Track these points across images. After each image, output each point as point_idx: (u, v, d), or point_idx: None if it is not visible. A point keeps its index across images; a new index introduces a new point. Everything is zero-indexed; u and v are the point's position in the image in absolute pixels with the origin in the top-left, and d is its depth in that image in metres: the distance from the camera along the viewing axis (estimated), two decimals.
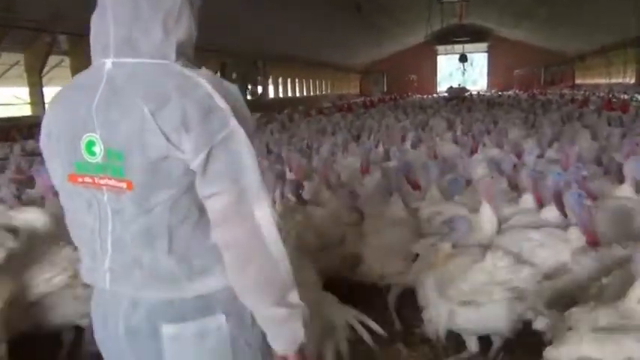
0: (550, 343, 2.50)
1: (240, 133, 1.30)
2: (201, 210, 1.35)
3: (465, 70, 36.29)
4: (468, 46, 37.34)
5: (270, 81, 24.47)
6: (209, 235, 1.37)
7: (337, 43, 27.85)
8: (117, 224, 1.36)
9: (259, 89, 21.98)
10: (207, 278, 1.39)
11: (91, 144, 1.32)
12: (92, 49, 1.38)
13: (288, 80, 27.58)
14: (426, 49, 40.09)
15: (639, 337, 2.31)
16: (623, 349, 2.29)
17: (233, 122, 1.29)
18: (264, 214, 1.34)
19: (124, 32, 1.31)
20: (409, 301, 3.55)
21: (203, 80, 1.30)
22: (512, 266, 3.02)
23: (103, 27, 1.33)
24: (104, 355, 1.55)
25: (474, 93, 28.70)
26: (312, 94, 31.02)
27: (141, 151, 1.27)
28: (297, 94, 29.03)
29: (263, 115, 15.50)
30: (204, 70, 1.36)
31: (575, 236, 3.21)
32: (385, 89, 36.79)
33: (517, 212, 3.76)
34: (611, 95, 21.06)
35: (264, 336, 1.44)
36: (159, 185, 1.30)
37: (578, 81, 35.99)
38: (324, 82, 33.63)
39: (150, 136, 1.26)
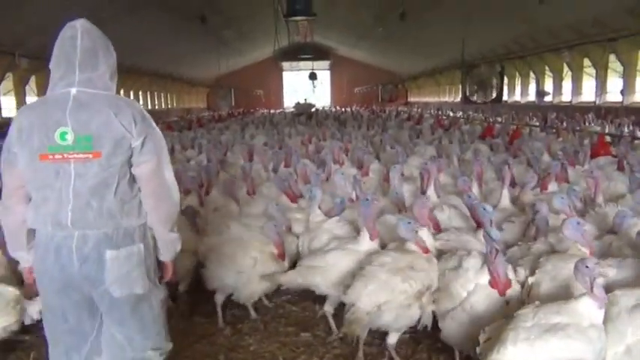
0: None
1: (158, 130, 2.41)
2: (132, 174, 2.34)
3: (315, 86, 37.49)
4: (312, 64, 38.71)
5: None
6: (135, 189, 2.36)
7: (183, 56, 27.06)
8: (77, 182, 2.24)
9: None
10: (131, 218, 2.34)
11: (64, 133, 2.22)
12: (53, 83, 2.32)
13: (131, 93, 26.10)
14: (272, 64, 40.73)
15: (569, 333, 2.42)
16: (551, 348, 2.39)
17: (154, 124, 2.40)
18: (170, 176, 2.43)
19: (88, 76, 2.30)
20: None
21: (135, 102, 2.50)
22: None
23: (69, 71, 2.28)
24: (48, 282, 2.34)
25: (320, 108, 29.74)
26: (156, 107, 29.70)
27: (109, 134, 2.24)
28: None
29: None
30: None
31: None
32: (233, 103, 36.54)
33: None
34: (440, 113, 23.29)
35: (155, 256, 2.50)
36: (117, 153, 2.26)
37: (410, 99, 39.23)
38: (169, 96, 32.41)
39: (115, 126, 2.25)
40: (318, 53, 38.49)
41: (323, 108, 31.39)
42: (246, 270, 4.02)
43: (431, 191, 4.95)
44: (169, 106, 31.87)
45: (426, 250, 3.49)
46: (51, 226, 2.26)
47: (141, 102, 27.26)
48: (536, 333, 2.47)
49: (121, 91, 24.37)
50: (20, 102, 17.97)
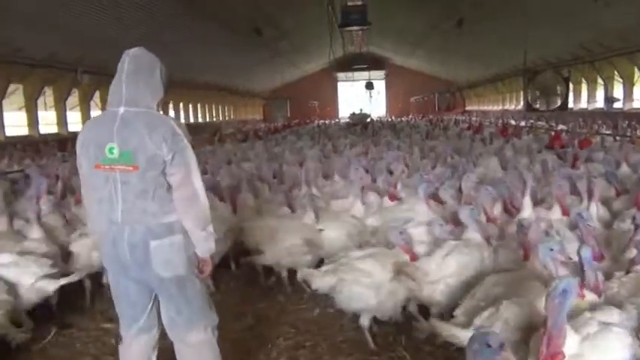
0: None
1: (189, 146, 2.74)
2: (167, 183, 2.73)
3: (371, 96, 37.26)
4: (368, 74, 38.52)
5: (170, 106, 23.50)
6: (170, 195, 2.74)
7: (240, 68, 27.46)
8: (123, 188, 2.70)
9: None
10: (169, 215, 2.75)
11: (112, 148, 2.67)
12: (109, 102, 2.78)
13: (190, 105, 26.71)
14: (327, 75, 40.85)
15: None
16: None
17: (185, 140, 2.73)
18: (199, 184, 2.77)
19: (132, 96, 2.73)
20: None
21: (170, 120, 2.77)
22: None
23: (118, 92, 2.73)
24: (110, 265, 2.85)
25: (375, 119, 29.47)
26: (214, 119, 30.26)
27: (144, 151, 2.65)
28: (200, 120, 28.20)
29: None
30: (168, 115, 3.03)
31: None
32: (289, 115, 36.81)
33: None
34: (502, 121, 22.49)
35: (192, 247, 2.84)
36: (151, 167, 2.67)
37: (468, 107, 38.28)
38: (226, 108, 33.00)
39: (148, 145, 2.65)
40: (373, 63, 38.28)
41: (379, 118, 31.05)
42: (386, 283, 3.76)
43: (527, 202, 4.50)
44: (227, 118, 32.42)
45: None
46: (107, 222, 2.77)
47: (199, 114, 27.95)
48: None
49: (180, 105, 25.02)
50: (85, 116, 18.63)
